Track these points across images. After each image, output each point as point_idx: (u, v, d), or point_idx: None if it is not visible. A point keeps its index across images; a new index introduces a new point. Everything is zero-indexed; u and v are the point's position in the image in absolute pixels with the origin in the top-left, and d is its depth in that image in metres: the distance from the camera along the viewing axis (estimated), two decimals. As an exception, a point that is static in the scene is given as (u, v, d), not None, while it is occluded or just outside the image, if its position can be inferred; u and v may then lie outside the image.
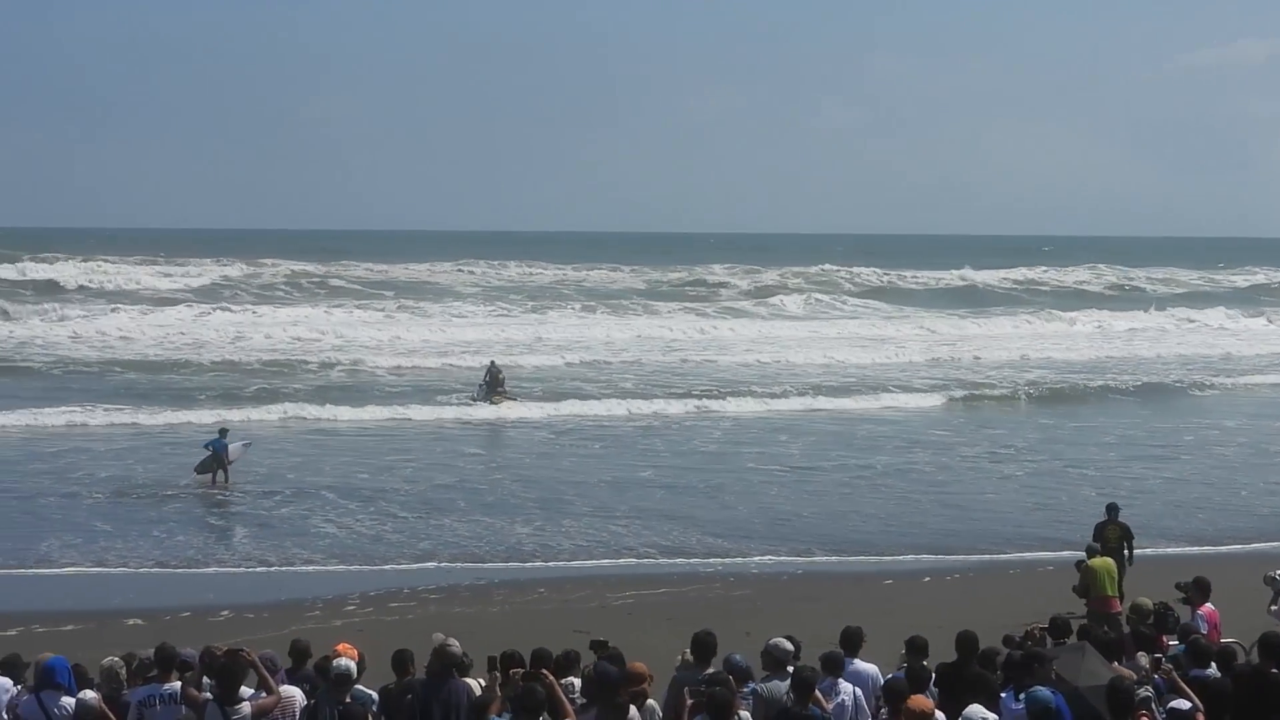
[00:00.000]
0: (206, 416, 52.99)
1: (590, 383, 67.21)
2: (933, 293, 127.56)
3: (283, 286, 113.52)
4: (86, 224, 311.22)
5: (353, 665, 15.94)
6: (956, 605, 26.90)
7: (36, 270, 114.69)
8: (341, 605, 28.82)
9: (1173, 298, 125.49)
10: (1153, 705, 15.06)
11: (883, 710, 15.56)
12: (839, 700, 15.96)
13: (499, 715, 14.85)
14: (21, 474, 42.56)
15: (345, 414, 55.17)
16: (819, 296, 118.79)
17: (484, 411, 57.22)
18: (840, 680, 16.36)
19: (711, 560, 33.16)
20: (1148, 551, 31.00)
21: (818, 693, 15.43)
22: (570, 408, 58.29)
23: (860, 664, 17.15)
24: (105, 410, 53.94)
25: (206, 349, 77.18)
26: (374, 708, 15.95)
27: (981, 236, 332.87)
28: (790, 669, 15.74)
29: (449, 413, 56.91)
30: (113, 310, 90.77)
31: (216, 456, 41.12)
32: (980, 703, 15.08)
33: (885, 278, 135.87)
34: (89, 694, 15.47)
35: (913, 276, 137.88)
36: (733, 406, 59.97)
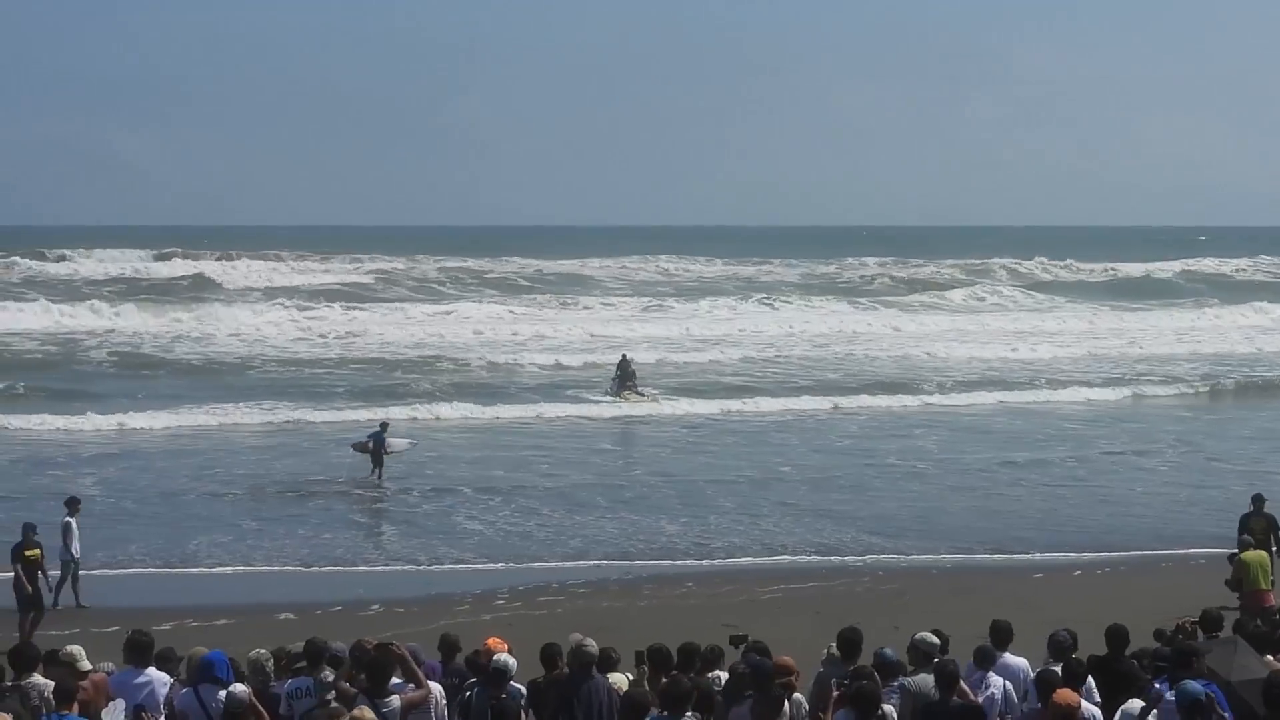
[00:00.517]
0: (347, 414, 53.74)
1: (739, 376, 67.53)
2: (1096, 285, 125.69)
3: (434, 283, 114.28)
4: (235, 221, 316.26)
5: (512, 661, 15.91)
6: (1106, 599, 26.54)
7: (188, 267, 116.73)
8: (490, 600, 28.99)
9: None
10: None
11: (1026, 703, 15.40)
12: (988, 693, 15.80)
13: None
14: (163, 472, 43.10)
15: (477, 411, 55.43)
16: (981, 291, 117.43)
17: (616, 408, 57.40)
18: (990, 674, 16.20)
19: (866, 557, 32.96)
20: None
21: (965, 686, 15.31)
22: (705, 405, 58.25)
23: (1010, 657, 16.95)
24: (246, 408, 54.85)
25: (355, 344, 78.30)
26: (522, 702, 15.98)
27: (1133, 228, 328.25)
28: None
29: (582, 409, 57.09)
30: (274, 304, 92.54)
31: (375, 447, 41.70)
32: (1133, 696, 14.91)
33: (1048, 270, 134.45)
34: (238, 687, 15.64)
35: (1075, 267, 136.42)
36: (884, 402, 59.81)
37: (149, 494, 39.63)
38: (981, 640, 17.11)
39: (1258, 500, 28.90)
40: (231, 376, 65.92)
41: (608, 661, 16.53)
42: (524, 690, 16.09)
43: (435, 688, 15.70)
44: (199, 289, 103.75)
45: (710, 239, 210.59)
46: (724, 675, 16.67)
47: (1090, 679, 15.84)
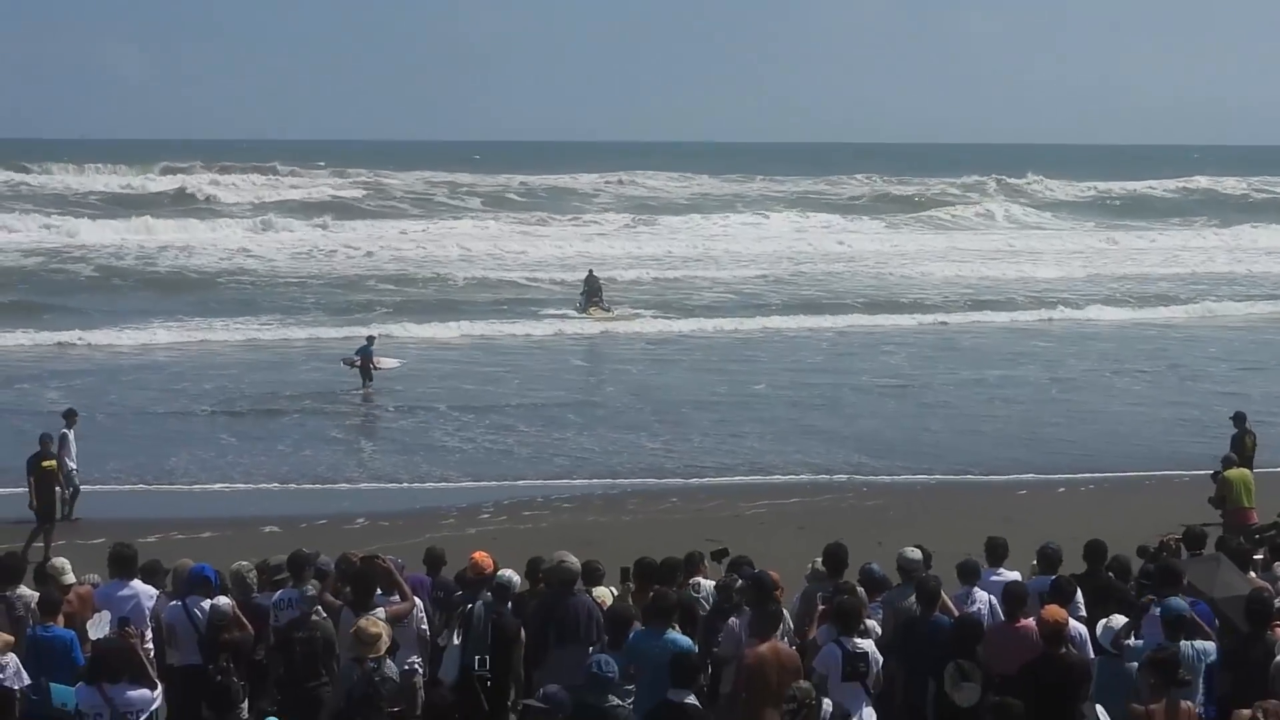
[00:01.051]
0: (320, 331, 54.11)
1: (713, 293, 68.01)
2: (1089, 204, 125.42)
3: (420, 198, 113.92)
4: (224, 136, 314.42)
5: (516, 577, 15.98)
6: (1090, 516, 26.58)
7: (175, 181, 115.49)
8: (475, 514, 29.03)
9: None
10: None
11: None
12: (974, 608, 15.82)
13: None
14: (133, 387, 43.05)
15: (443, 331, 55.27)
16: (978, 209, 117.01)
17: (583, 325, 57.31)
18: (975, 589, 16.24)
19: (852, 477, 32.80)
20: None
21: (948, 601, 15.35)
22: (669, 324, 58.18)
23: (1005, 572, 16.99)
24: (222, 324, 55.10)
25: (335, 259, 78.00)
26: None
27: (1124, 146, 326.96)
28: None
29: (550, 326, 56.99)
30: (259, 219, 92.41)
31: (363, 361, 42.35)
32: (1113, 610, 14.97)
33: (1046, 187, 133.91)
34: (222, 599, 15.67)
35: (1070, 185, 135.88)
36: (871, 321, 60.09)
37: (121, 411, 39.39)
38: (966, 556, 17.16)
39: (1239, 418, 28.99)
40: (206, 291, 65.73)
41: (594, 575, 16.54)
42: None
43: (417, 601, 15.72)
44: (183, 203, 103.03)
45: (697, 155, 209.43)
46: (704, 582, 16.76)
47: (1079, 594, 15.89)
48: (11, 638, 14.33)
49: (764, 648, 13.83)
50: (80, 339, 51.36)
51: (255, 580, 16.47)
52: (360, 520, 28.32)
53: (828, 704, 12.80)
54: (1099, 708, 13.28)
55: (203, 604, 15.68)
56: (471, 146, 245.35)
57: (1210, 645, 14.25)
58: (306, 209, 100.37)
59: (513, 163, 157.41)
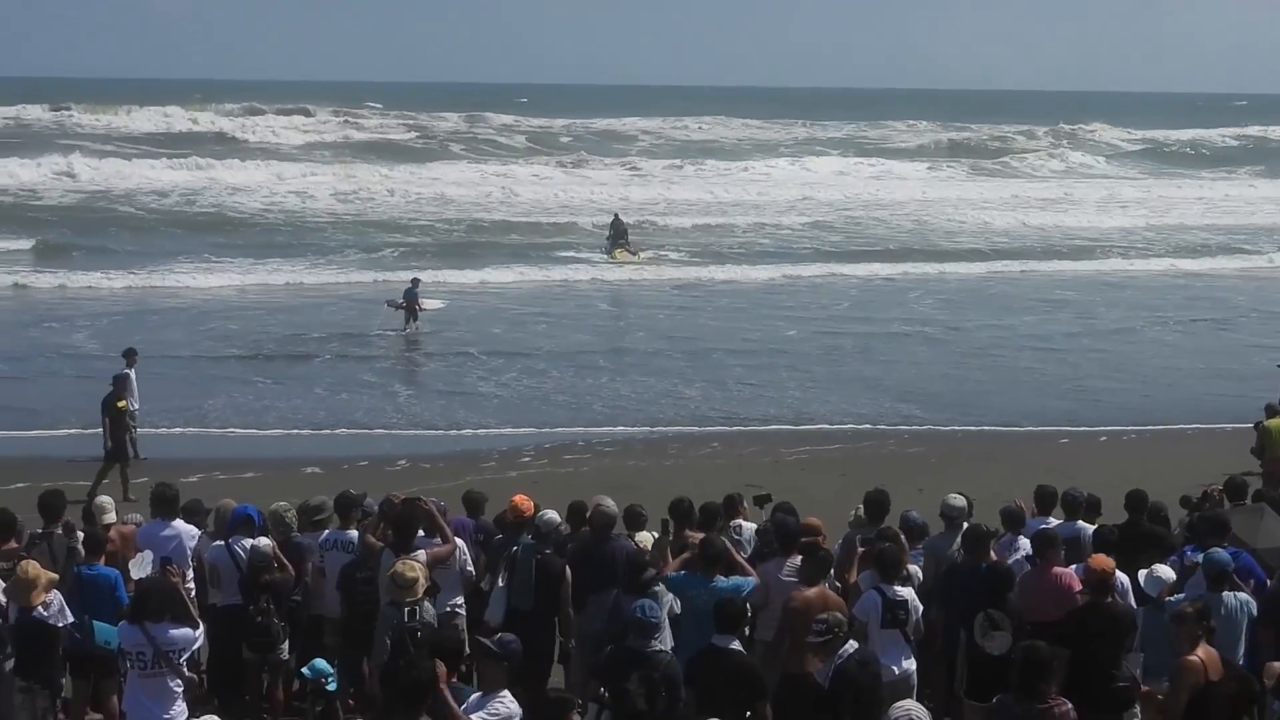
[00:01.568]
0: (351, 275, 54.03)
1: (748, 236, 68.10)
2: (1152, 153, 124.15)
3: (464, 139, 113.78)
4: (267, 76, 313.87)
5: (557, 517, 16.01)
6: (1132, 465, 26.48)
7: (213, 122, 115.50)
8: (516, 457, 29.05)
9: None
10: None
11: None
12: (1017, 556, 15.77)
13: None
14: (164, 328, 42.97)
15: (461, 276, 54.65)
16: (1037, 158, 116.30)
17: (611, 271, 57.02)
18: (1019, 537, 16.18)
19: (896, 426, 32.59)
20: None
21: (990, 548, 15.29)
22: (695, 271, 57.79)
23: (1054, 521, 16.90)
24: (250, 265, 55.05)
25: (372, 204, 77.52)
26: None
27: (1169, 94, 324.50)
28: (965, 525, 15.64)
29: (577, 271, 56.78)
30: (298, 162, 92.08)
31: (409, 302, 42.67)
32: (1156, 559, 14.89)
33: (1113, 136, 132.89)
34: (263, 540, 15.73)
35: (1125, 134, 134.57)
36: (925, 269, 59.78)
37: (150, 353, 38.96)
38: (1006, 503, 17.09)
39: None
40: (242, 233, 65.53)
41: (636, 519, 16.52)
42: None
43: (460, 543, 15.72)
44: (225, 143, 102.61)
45: (745, 99, 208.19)
46: (745, 525, 16.78)
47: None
48: (56, 575, 14.41)
49: (811, 592, 13.80)
50: (106, 281, 51.19)
51: (295, 520, 16.51)
52: (401, 462, 28.38)
53: (852, 644, 12.63)
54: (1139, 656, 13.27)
55: (245, 543, 15.75)
56: (518, 89, 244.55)
57: (1251, 599, 14.16)
58: (342, 150, 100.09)
59: (559, 107, 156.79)
